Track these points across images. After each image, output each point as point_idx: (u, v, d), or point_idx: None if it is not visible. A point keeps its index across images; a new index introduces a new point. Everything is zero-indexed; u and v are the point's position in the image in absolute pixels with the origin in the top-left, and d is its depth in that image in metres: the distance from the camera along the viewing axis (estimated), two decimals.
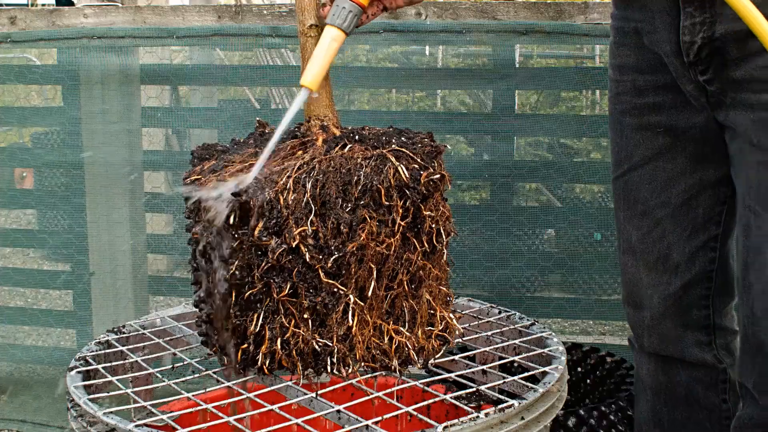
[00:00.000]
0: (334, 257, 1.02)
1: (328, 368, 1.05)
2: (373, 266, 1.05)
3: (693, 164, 1.43)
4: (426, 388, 1.09)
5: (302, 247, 1.02)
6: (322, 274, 1.03)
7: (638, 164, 1.48)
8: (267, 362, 1.06)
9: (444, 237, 1.13)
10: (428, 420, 0.95)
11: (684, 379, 1.55)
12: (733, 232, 1.46)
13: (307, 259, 1.02)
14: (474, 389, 1.09)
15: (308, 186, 1.03)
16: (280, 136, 1.10)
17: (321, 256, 1.03)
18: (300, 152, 1.16)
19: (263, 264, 1.04)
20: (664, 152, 1.44)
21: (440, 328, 1.16)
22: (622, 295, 1.59)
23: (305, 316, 1.04)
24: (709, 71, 1.30)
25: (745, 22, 1.06)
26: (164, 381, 1.12)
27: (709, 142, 1.39)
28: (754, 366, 1.33)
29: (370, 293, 1.05)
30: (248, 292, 1.05)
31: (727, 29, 1.25)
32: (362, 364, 1.06)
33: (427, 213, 1.08)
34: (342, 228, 1.03)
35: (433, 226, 1.10)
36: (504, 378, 1.14)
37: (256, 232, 1.03)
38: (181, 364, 1.21)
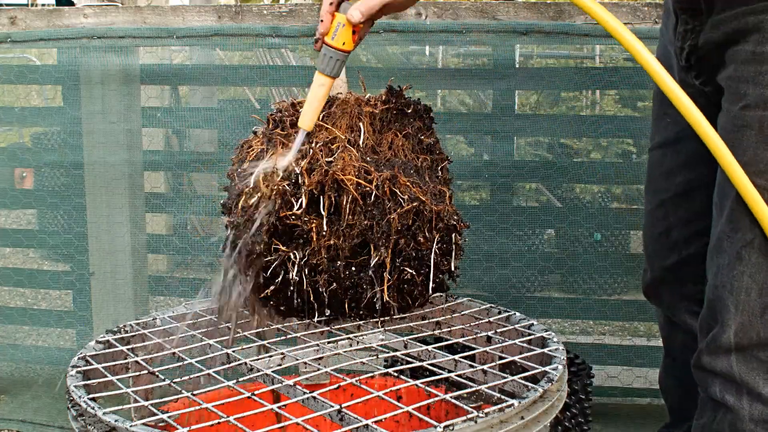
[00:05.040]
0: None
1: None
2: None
3: (694, 161, 1.54)
4: (426, 388, 1.09)
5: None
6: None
7: (655, 146, 1.64)
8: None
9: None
10: (428, 420, 0.95)
11: (680, 341, 1.69)
12: None
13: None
14: (474, 389, 1.09)
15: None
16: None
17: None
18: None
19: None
20: (671, 144, 1.58)
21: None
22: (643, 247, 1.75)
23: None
24: (702, 75, 1.41)
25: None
26: (164, 381, 1.12)
27: None
28: (708, 330, 1.40)
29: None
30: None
31: (707, 39, 1.35)
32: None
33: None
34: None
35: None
36: (504, 378, 1.14)
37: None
38: (181, 363, 1.21)
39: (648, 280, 1.72)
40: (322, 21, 1.27)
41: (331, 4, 1.27)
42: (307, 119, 1.28)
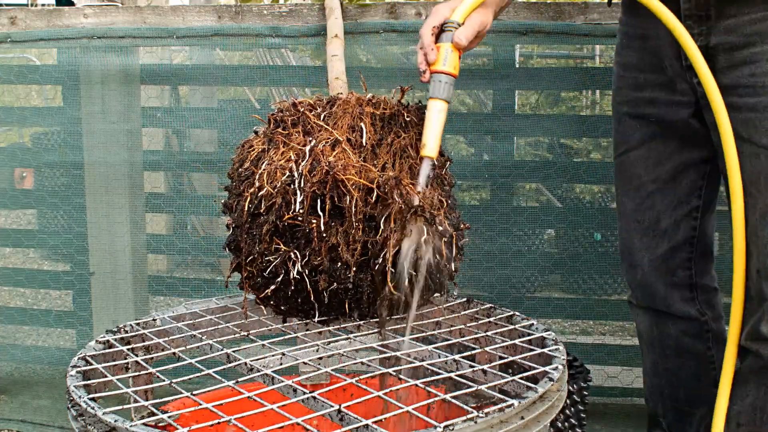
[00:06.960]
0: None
1: None
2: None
3: (680, 147, 1.66)
4: (426, 388, 1.09)
5: None
6: None
7: (634, 146, 1.72)
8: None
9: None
10: (428, 420, 0.95)
11: (673, 332, 1.79)
12: (711, 206, 1.74)
13: None
14: (474, 389, 1.09)
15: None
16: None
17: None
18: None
19: None
20: (656, 136, 1.68)
21: None
22: (619, 251, 1.83)
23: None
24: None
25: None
26: (164, 381, 1.12)
27: (692, 130, 1.63)
28: (752, 317, 1.51)
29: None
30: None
31: (720, 41, 1.47)
32: None
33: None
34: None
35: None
36: (504, 378, 1.14)
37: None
38: (181, 363, 1.21)
39: (639, 277, 1.78)
40: (425, 53, 1.37)
41: (433, 35, 1.37)
42: (433, 146, 1.32)
